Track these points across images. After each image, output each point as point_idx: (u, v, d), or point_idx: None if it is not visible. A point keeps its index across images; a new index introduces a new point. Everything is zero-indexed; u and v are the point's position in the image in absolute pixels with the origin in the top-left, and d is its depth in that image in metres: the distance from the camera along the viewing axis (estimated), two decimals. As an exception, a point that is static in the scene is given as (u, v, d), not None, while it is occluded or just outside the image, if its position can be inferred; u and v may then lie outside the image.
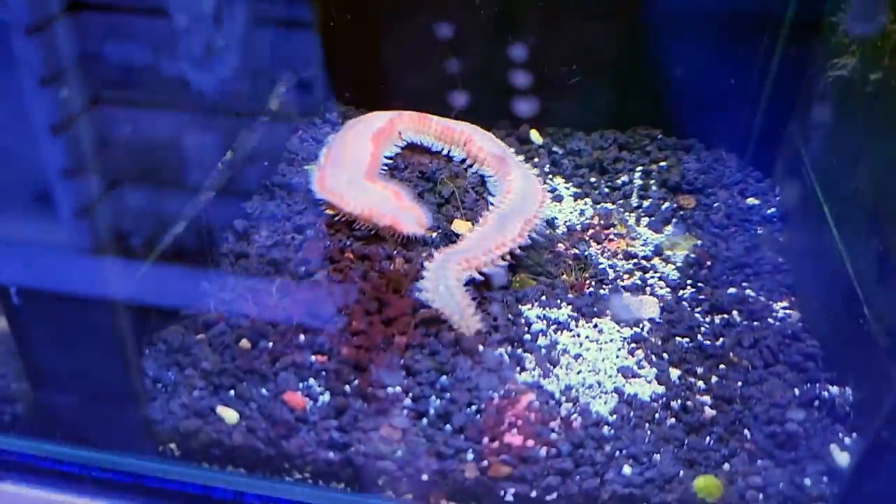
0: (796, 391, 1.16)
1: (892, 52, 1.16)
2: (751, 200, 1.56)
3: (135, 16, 1.15)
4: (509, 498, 1.05)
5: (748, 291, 1.37)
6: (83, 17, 0.96)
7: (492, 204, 1.41)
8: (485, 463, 1.04)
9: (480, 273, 1.25)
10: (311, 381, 1.12)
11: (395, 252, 1.29)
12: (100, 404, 1.09)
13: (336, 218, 1.35)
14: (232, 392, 1.11)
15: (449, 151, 1.55)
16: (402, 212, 1.34)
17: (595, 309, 1.29)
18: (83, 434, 1.11)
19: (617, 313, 1.28)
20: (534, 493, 1.04)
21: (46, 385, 1.10)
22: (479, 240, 1.29)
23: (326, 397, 1.10)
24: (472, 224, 1.38)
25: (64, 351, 1.07)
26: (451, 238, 1.35)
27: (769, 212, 1.53)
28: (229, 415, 1.09)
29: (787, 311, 1.34)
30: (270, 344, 1.15)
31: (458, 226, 1.37)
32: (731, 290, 1.37)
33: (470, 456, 1.05)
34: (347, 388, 1.11)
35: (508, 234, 1.30)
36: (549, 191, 1.56)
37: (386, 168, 1.49)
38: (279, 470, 1.09)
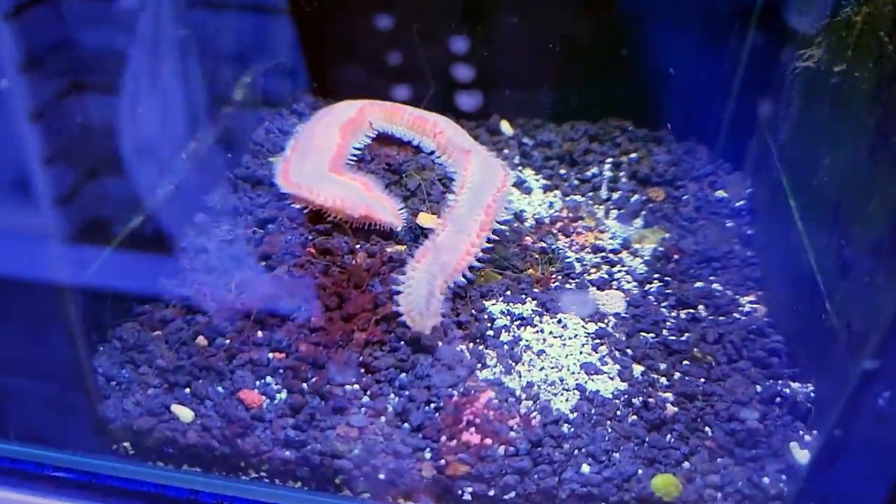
0: (758, 388, 1.15)
1: (855, 44, 1.15)
2: (720, 193, 1.55)
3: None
4: (467, 497, 1.04)
5: (715, 286, 1.37)
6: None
7: (453, 192, 1.39)
8: (442, 462, 1.04)
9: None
10: (269, 378, 1.11)
11: (357, 246, 1.28)
12: (53, 402, 1.08)
13: (304, 210, 1.33)
14: (187, 390, 1.09)
15: (419, 143, 1.53)
16: (375, 202, 1.32)
17: (560, 304, 1.28)
18: (37, 432, 1.10)
19: (581, 309, 1.27)
20: (492, 493, 1.04)
21: (-1, 383, 1.08)
22: (453, 238, 1.26)
23: (283, 395, 1.09)
24: (437, 217, 1.36)
25: (15, 346, 1.05)
26: (415, 231, 1.33)
27: (739, 204, 1.52)
28: (184, 413, 1.07)
29: (754, 306, 1.33)
30: (227, 341, 1.13)
31: (424, 219, 1.35)
32: (698, 284, 1.37)
33: (428, 454, 1.04)
34: (305, 385, 1.09)
35: (478, 223, 1.28)
36: (518, 183, 1.54)
37: (353, 159, 1.47)
38: (235, 469, 1.08)
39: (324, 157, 1.38)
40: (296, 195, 1.32)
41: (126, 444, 1.09)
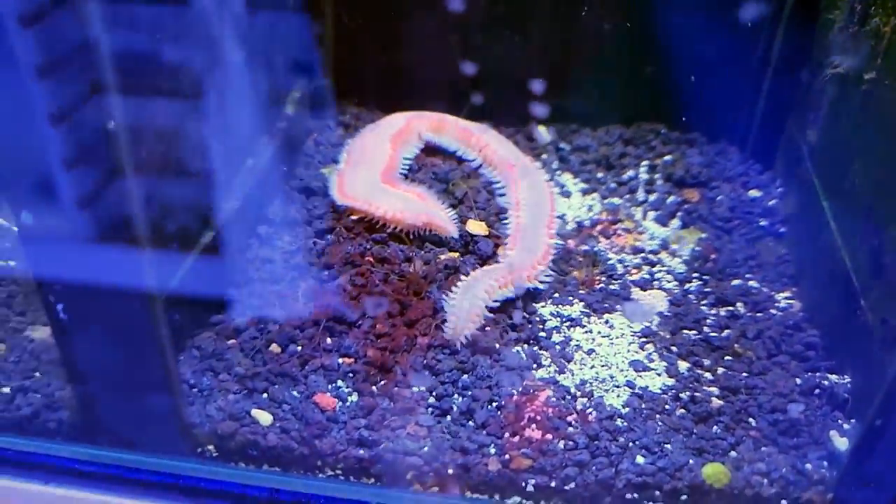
0: (798, 380, 1.22)
1: (885, 53, 1.21)
2: (753, 193, 1.62)
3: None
4: (530, 489, 1.12)
5: (751, 283, 1.43)
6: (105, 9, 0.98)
7: (500, 197, 1.47)
8: (506, 456, 1.11)
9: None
10: (340, 382, 1.18)
11: (413, 254, 1.35)
12: (141, 409, 1.16)
13: (361, 220, 1.40)
14: (265, 395, 1.17)
15: (464, 153, 1.60)
16: (433, 211, 1.40)
17: (606, 305, 1.36)
18: (127, 438, 1.18)
19: (631, 315, 1.34)
20: (553, 484, 1.11)
21: (90, 393, 1.16)
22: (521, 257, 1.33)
23: (355, 398, 1.17)
24: (487, 224, 1.44)
25: (103, 356, 1.13)
26: (465, 238, 1.41)
27: (771, 204, 1.58)
28: (264, 417, 1.15)
29: (789, 302, 1.40)
30: (299, 348, 1.21)
31: (473, 226, 1.42)
32: (736, 282, 1.43)
33: (492, 450, 1.12)
34: (374, 388, 1.17)
35: (544, 244, 1.37)
36: (557, 187, 1.61)
37: (404, 170, 1.54)
38: (312, 468, 1.15)
39: (377, 168, 1.45)
40: (354, 207, 1.40)
41: (210, 447, 1.17)
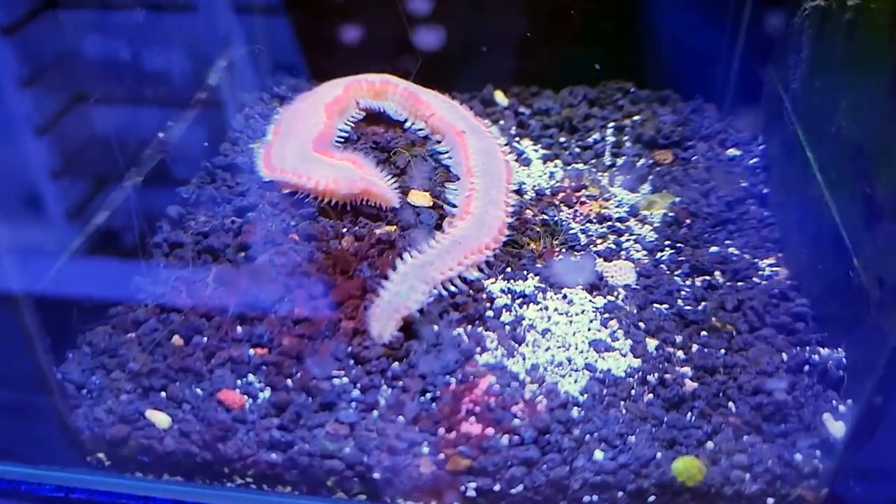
0: (784, 356, 1.06)
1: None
2: (732, 151, 1.45)
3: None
4: (471, 493, 0.96)
5: (731, 249, 1.27)
6: None
7: (445, 167, 1.30)
8: (441, 456, 0.95)
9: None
10: (250, 376, 1.02)
11: (343, 230, 1.19)
12: (18, 415, 1.00)
13: (294, 196, 1.24)
14: (163, 394, 1.01)
15: (411, 122, 1.43)
16: (372, 179, 1.23)
17: (558, 275, 1.19)
18: (4, 447, 1.02)
19: (579, 277, 1.18)
20: (497, 487, 0.95)
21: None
22: (452, 248, 1.15)
23: (267, 394, 1.01)
24: (431, 195, 1.27)
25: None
26: (406, 211, 1.24)
27: (752, 163, 1.42)
28: (160, 418, 0.99)
29: (774, 269, 1.23)
30: (205, 339, 1.05)
31: (416, 197, 1.26)
32: (713, 248, 1.27)
33: (425, 449, 0.95)
34: (289, 381, 1.01)
35: (497, 220, 1.20)
36: (516, 154, 1.45)
37: (340, 140, 1.38)
38: (219, 475, 1.00)
39: (308, 138, 1.29)
40: (283, 181, 1.23)
41: (100, 454, 1.01)
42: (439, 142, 1.38)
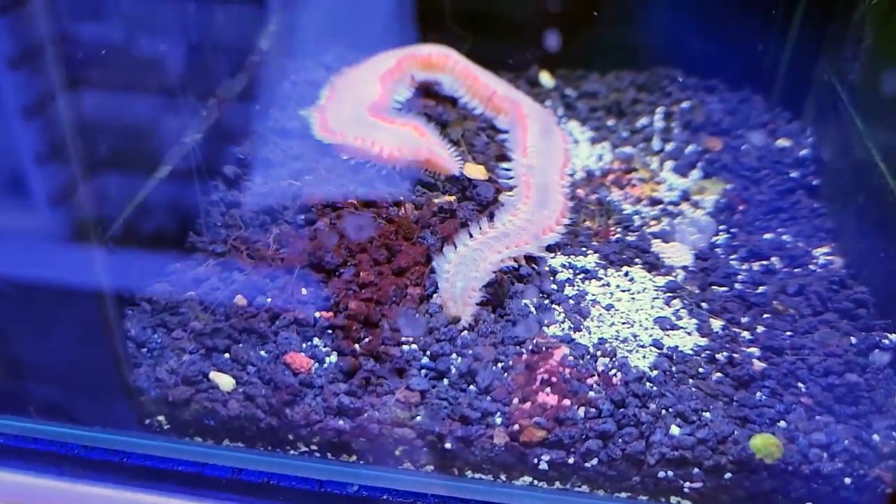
0: (852, 339, 1.05)
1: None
2: (782, 142, 1.45)
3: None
4: (543, 466, 0.94)
5: (785, 237, 1.26)
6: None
7: (499, 143, 1.29)
8: (515, 427, 0.93)
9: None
10: (316, 340, 0.99)
11: (402, 198, 1.16)
12: (77, 374, 0.96)
13: (351, 161, 1.21)
14: (227, 355, 0.98)
15: (463, 98, 1.41)
16: (436, 147, 1.21)
17: (624, 257, 1.18)
18: (61, 409, 0.98)
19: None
20: (571, 460, 0.93)
21: (14, 355, 0.97)
22: (516, 230, 1.13)
23: (333, 358, 0.98)
24: (486, 168, 1.25)
25: (32, 315, 0.94)
26: (462, 182, 1.22)
27: (801, 154, 1.42)
28: (224, 380, 0.96)
29: (829, 258, 1.23)
30: (269, 300, 1.02)
31: (471, 170, 1.24)
32: (768, 235, 1.26)
33: (498, 419, 0.93)
34: (357, 346, 0.98)
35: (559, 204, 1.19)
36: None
37: (397, 109, 1.36)
38: (282, 443, 0.97)
39: (364, 103, 1.26)
40: (344, 146, 1.20)
41: (160, 417, 0.98)
42: (495, 121, 1.37)
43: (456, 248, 1.06)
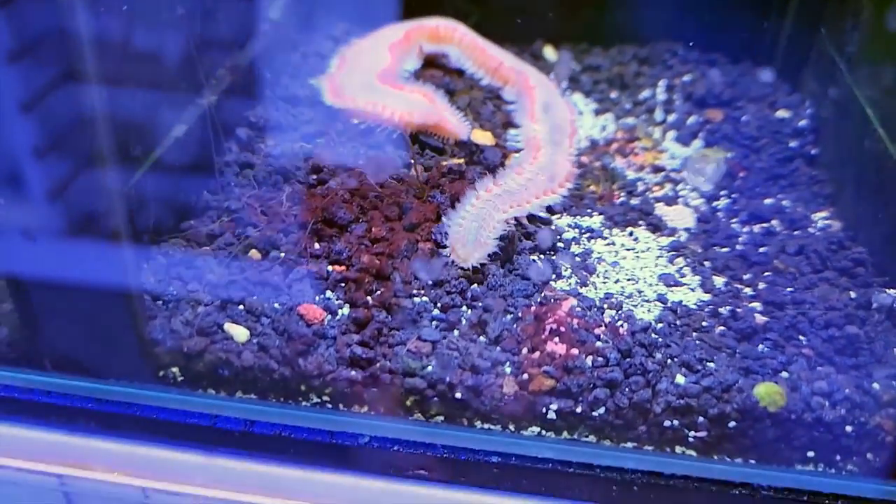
0: (852, 294, 1.07)
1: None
2: (781, 113, 1.47)
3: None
4: (551, 415, 0.96)
5: (784, 202, 1.29)
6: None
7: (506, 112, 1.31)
8: (525, 376, 0.95)
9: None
10: (329, 293, 1.01)
11: (412, 160, 1.18)
12: (91, 325, 0.98)
13: (361, 124, 1.23)
14: (241, 307, 1.00)
15: (470, 69, 1.44)
16: (445, 113, 1.24)
17: (628, 218, 1.20)
18: (74, 362, 1.00)
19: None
20: (579, 409, 0.95)
21: (29, 304, 0.98)
22: (523, 187, 1.15)
23: (346, 310, 1.00)
24: (493, 134, 1.28)
25: (47, 266, 0.95)
26: (470, 148, 1.24)
27: (801, 124, 1.44)
28: (238, 332, 0.98)
29: (827, 221, 1.26)
30: (282, 254, 1.04)
31: (478, 135, 1.26)
32: (768, 200, 1.29)
33: (508, 369, 0.96)
34: (369, 298, 1.00)
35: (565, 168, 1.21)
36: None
37: (406, 78, 1.38)
38: (294, 394, 0.98)
39: (374, 72, 1.28)
40: (356, 109, 1.23)
41: (174, 369, 1.00)
42: (502, 91, 1.39)
43: (464, 206, 1.08)
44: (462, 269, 1.03)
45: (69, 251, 0.94)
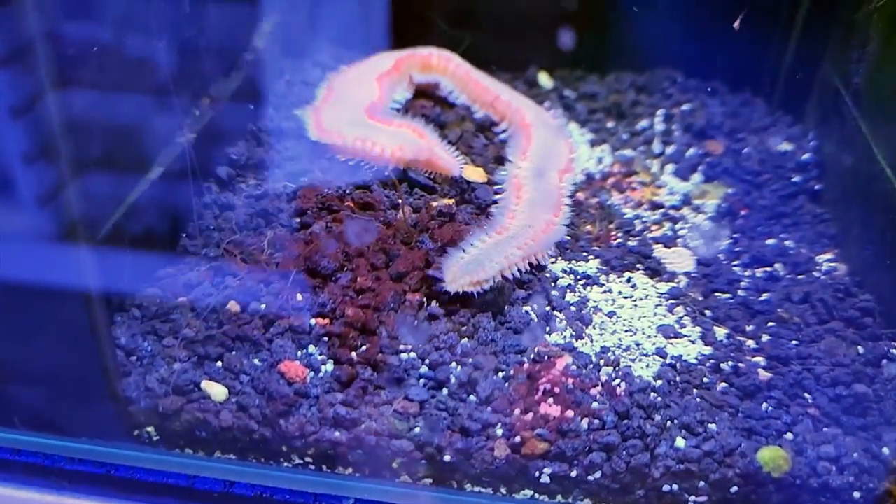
0: (860, 349, 1.03)
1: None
2: (783, 146, 1.43)
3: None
4: (545, 479, 0.91)
5: (788, 243, 1.25)
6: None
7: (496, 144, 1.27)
8: (517, 438, 0.90)
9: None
10: (312, 348, 0.96)
11: (401, 201, 1.13)
12: (63, 383, 0.93)
13: (347, 163, 1.18)
14: (219, 363, 0.95)
15: (460, 100, 1.39)
16: (436, 148, 1.19)
17: (626, 262, 1.15)
18: (45, 419, 0.95)
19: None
20: (574, 473, 0.91)
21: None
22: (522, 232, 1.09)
23: (330, 367, 0.95)
24: (485, 170, 1.23)
25: (17, 321, 0.91)
26: (461, 185, 1.19)
27: (804, 158, 1.39)
28: (216, 390, 0.93)
29: (832, 264, 1.21)
30: (263, 306, 0.99)
31: (470, 172, 1.21)
32: (771, 241, 1.24)
33: (499, 431, 0.91)
34: (354, 354, 0.95)
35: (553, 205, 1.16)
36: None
37: (395, 111, 1.33)
38: (276, 455, 0.94)
39: (361, 104, 1.23)
40: (343, 146, 1.17)
41: (149, 428, 0.95)
42: (495, 123, 1.34)
43: (464, 251, 1.03)
44: (453, 311, 0.99)
45: (39, 304, 0.89)
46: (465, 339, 0.98)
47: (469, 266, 1.00)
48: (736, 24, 1.24)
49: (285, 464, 0.95)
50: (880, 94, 1.23)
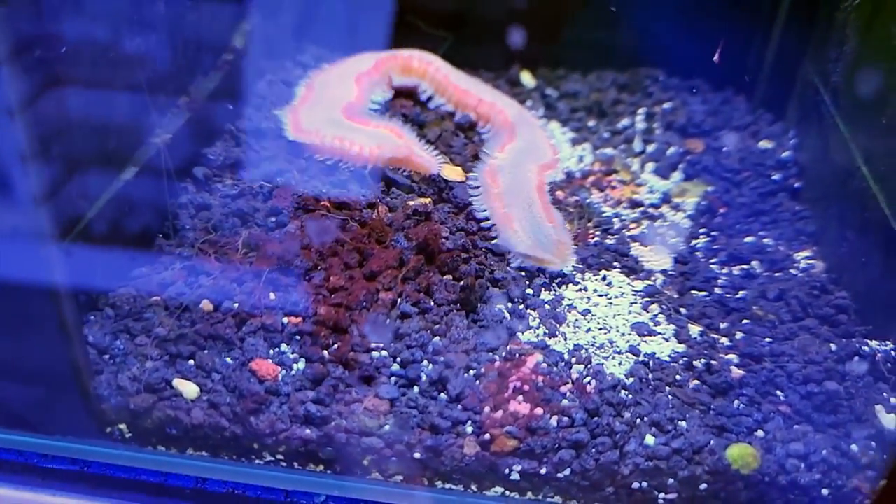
0: (832, 346, 1.03)
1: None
2: (764, 144, 1.43)
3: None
4: (515, 476, 0.92)
5: (766, 241, 1.25)
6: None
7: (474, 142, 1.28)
8: (487, 436, 0.91)
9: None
10: (284, 346, 0.97)
11: (377, 199, 1.14)
12: (36, 380, 0.94)
13: (324, 162, 1.19)
14: (191, 362, 0.96)
15: (437, 102, 1.39)
16: (415, 147, 1.20)
17: (602, 261, 1.15)
18: (18, 416, 0.96)
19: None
20: (543, 470, 0.91)
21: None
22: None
23: (301, 365, 0.95)
24: (463, 169, 1.23)
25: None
26: (439, 184, 1.20)
27: (784, 156, 1.40)
28: (188, 388, 0.94)
29: (810, 262, 1.21)
30: (236, 305, 0.99)
31: (448, 171, 1.21)
32: (749, 239, 1.24)
33: (469, 428, 0.91)
34: (326, 353, 0.96)
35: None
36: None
37: (374, 111, 1.33)
38: (247, 452, 0.94)
39: (339, 106, 1.24)
40: (321, 145, 1.18)
41: (122, 426, 0.95)
42: (476, 124, 1.35)
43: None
44: (426, 309, 1.00)
45: (11, 303, 0.90)
46: (437, 338, 0.98)
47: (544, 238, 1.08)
48: (716, 58, 1.25)
49: (257, 461, 0.95)
50: (857, 92, 1.23)
